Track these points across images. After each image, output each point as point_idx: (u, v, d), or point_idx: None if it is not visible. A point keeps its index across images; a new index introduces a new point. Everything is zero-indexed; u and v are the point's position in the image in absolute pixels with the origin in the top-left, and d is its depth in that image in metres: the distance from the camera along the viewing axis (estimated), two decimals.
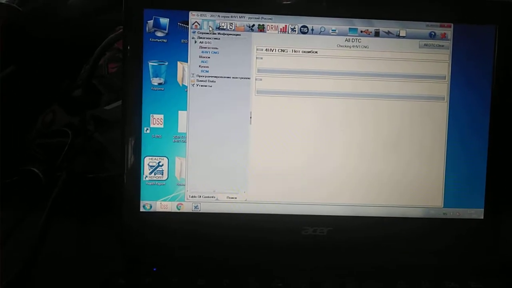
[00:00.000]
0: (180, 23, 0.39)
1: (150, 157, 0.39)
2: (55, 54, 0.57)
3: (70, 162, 0.47)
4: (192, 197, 0.40)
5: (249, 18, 0.39)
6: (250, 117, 0.39)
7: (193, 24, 0.39)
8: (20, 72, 0.54)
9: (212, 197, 0.40)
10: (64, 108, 0.56)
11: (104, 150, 0.49)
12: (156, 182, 0.39)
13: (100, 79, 0.56)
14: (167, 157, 0.39)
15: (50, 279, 0.37)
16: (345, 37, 0.40)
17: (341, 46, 0.40)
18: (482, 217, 0.41)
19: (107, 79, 0.56)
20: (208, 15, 0.39)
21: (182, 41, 0.39)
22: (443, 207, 0.41)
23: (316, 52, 0.40)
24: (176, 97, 0.39)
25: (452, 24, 0.40)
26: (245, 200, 0.40)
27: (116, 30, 0.49)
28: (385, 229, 0.40)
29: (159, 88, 0.39)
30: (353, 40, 0.40)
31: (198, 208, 0.40)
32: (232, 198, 0.40)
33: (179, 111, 0.39)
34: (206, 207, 0.40)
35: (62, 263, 0.39)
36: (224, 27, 0.39)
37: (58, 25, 0.58)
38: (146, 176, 0.39)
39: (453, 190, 0.40)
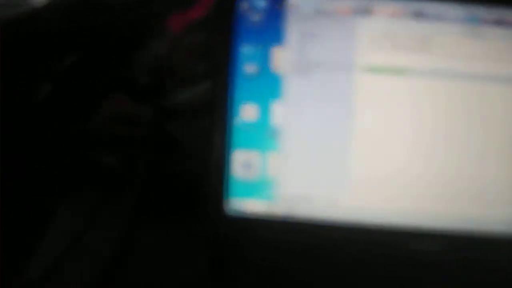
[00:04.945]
0: (277, 4, 0.35)
1: (240, 152, 0.35)
2: (116, 40, 0.55)
3: (141, 155, 0.44)
4: (284, 198, 0.35)
5: (354, 0, 0.35)
6: (354, 111, 0.35)
7: (291, 6, 0.35)
8: (83, 60, 0.53)
9: (307, 200, 0.35)
10: (131, 97, 0.53)
11: (175, 142, 0.46)
12: (246, 180, 0.35)
13: (169, 66, 0.53)
14: (258, 152, 0.35)
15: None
16: (464, 26, 0.35)
17: (460, 35, 0.35)
18: None
19: (178, 66, 0.53)
20: None
21: (279, 25, 0.35)
22: None
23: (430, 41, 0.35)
24: (271, 86, 0.35)
25: None
26: (345, 207, 0.35)
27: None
28: None
29: (252, 76, 0.35)
30: (473, 29, 0.35)
31: (290, 211, 0.35)
32: (330, 203, 0.35)
33: (274, 102, 0.35)
34: (299, 211, 0.35)
35: (138, 267, 0.35)
36: (326, 10, 0.35)
37: (117, 11, 0.56)
38: (235, 173, 0.35)
39: None
